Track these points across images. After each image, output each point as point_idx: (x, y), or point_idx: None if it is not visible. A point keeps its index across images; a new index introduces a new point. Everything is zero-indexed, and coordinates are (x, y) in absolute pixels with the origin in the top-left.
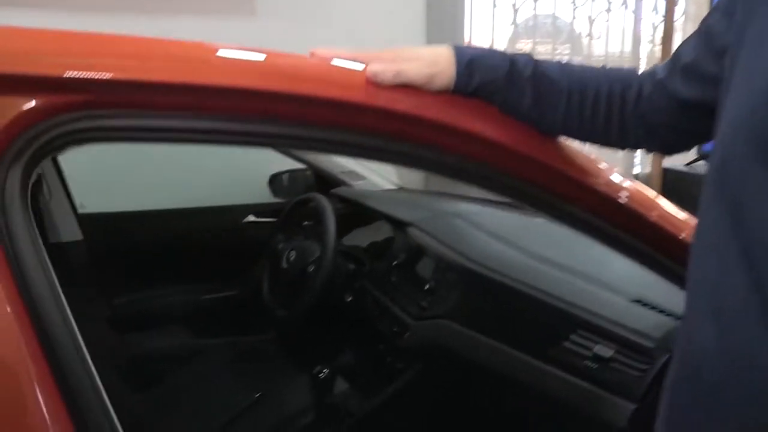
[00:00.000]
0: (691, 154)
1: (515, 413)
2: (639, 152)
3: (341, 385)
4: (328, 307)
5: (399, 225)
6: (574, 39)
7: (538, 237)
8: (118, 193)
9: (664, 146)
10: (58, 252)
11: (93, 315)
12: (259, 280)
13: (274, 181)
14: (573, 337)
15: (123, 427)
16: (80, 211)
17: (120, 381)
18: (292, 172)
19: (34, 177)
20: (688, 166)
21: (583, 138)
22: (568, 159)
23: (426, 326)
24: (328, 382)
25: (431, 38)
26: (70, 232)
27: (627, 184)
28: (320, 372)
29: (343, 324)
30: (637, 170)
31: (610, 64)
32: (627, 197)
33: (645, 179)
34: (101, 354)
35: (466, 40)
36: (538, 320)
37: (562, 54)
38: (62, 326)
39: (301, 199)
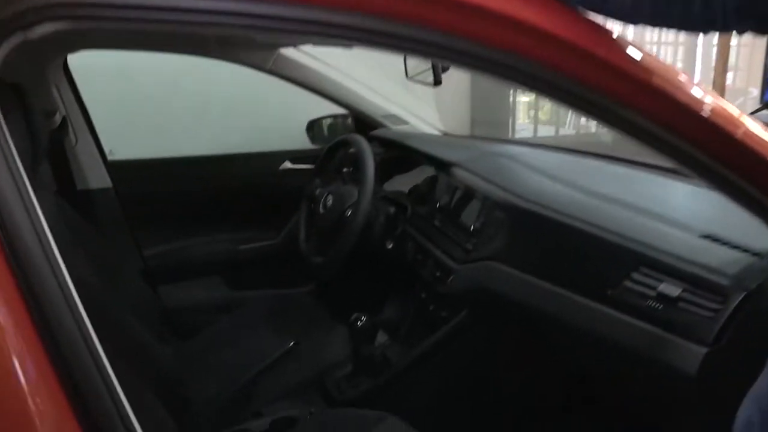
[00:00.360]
0: (753, 103)
1: (571, 360)
2: None
3: (381, 336)
4: (367, 255)
5: (442, 166)
6: None
7: (594, 176)
8: (149, 140)
9: (761, 22)
10: (85, 199)
11: (124, 266)
12: (297, 229)
13: (313, 127)
14: (634, 275)
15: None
16: (110, 158)
17: (153, 335)
18: (330, 118)
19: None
20: (752, 116)
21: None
22: (636, 58)
23: (471, 269)
24: (367, 331)
25: None
26: (98, 179)
27: (709, 97)
28: (358, 320)
29: (384, 272)
30: None
31: None
32: (710, 111)
33: None
34: (134, 307)
35: None
36: (596, 259)
37: None
38: (39, 252)
39: (339, 141)
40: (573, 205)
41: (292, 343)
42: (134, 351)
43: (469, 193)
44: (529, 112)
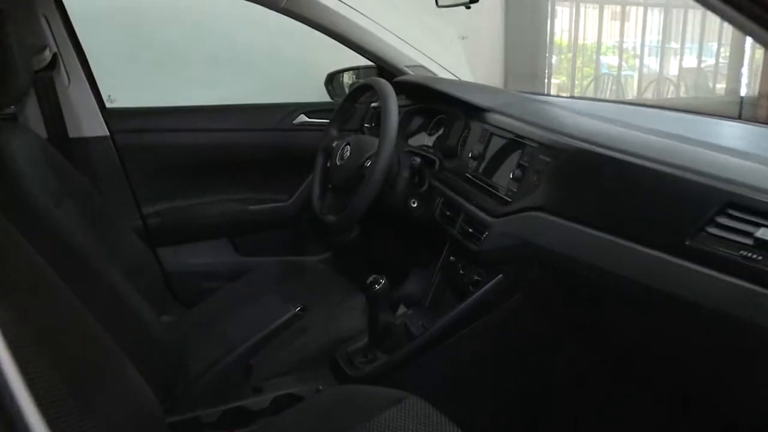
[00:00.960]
0: None
1: (640, 329)
2: (745, 73)
3: (404, 300)
4: (388, 216)
5: (475, 111)
6: None
7: (656, 119)
8: (151, 87)
9: None
10: (78, 148)
11: (120, 224)
12: (311, 186)
13: (332, 80)
14: (721, 220)
15: None
16: (108, 105)
17: (150, 300)
18: (352, 71)
19: None
20: None
21: None
22: None
23: (510, 222)
24: (386, 296)
25: None
26: (93, 126)
27: None
28: (375, 283)
29: (407, 235)
30: (743, 92)
31: None
32: None
33: (751, 102)
34: (129, 269)
35: None
36: (669, 202)
37: None
38: None
39: (360, 86)
40: (637, 144)
41: (297, 308)
42: (122, 316)
43: (506, 139)
44: (560, 94)
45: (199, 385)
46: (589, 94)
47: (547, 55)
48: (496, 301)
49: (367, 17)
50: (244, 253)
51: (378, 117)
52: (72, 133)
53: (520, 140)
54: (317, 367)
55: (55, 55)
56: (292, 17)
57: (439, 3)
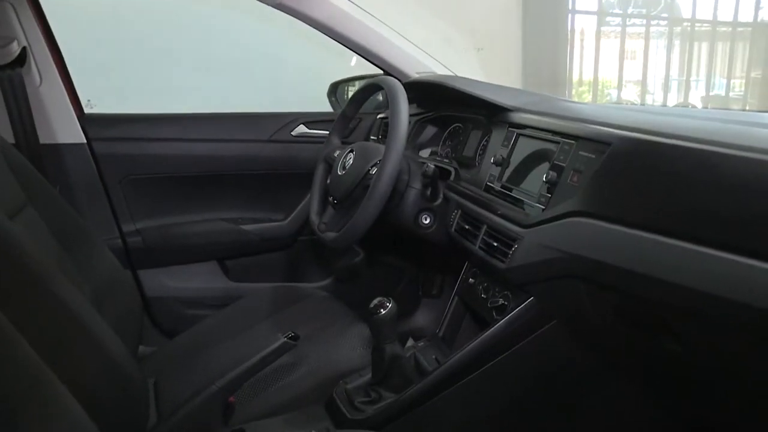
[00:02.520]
0: None
1: (730, 365)
2: None
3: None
4: (397, 236)
5: (498, 112)
6: None
7: (716, 114)
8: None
9: None
10: (50, 156)
11: (95, 242)
12: (310, 201)
13: (336, 90)
14: None
15: None
16: (87, 110)
17: (126, 330)
18: (358, 80)
19: None
20: None
21: None
22: None
23: (546, 231)
24: (393, 323)
25: None
26: (68, 132)
27: None
28: (380, 307)
29: (418, 257)
30: None
31: None
32: None
33: None
34: (102, 293)
35: None
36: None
37: None
38: None
39: (365, 86)
40: (710, 132)
41: (286, 336)
42: (82, 345)
43: (536, 138)
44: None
45: (168, 426)
46: None
47: (567, 66)
48: (526, 329)
49: (374, 17)
50: (235, 278)
51: (386, 128)
52: (43, 139)
53: (554, 137)
54: (310, 408)
55: (24, 50)
56: (289, 13)
57: None
